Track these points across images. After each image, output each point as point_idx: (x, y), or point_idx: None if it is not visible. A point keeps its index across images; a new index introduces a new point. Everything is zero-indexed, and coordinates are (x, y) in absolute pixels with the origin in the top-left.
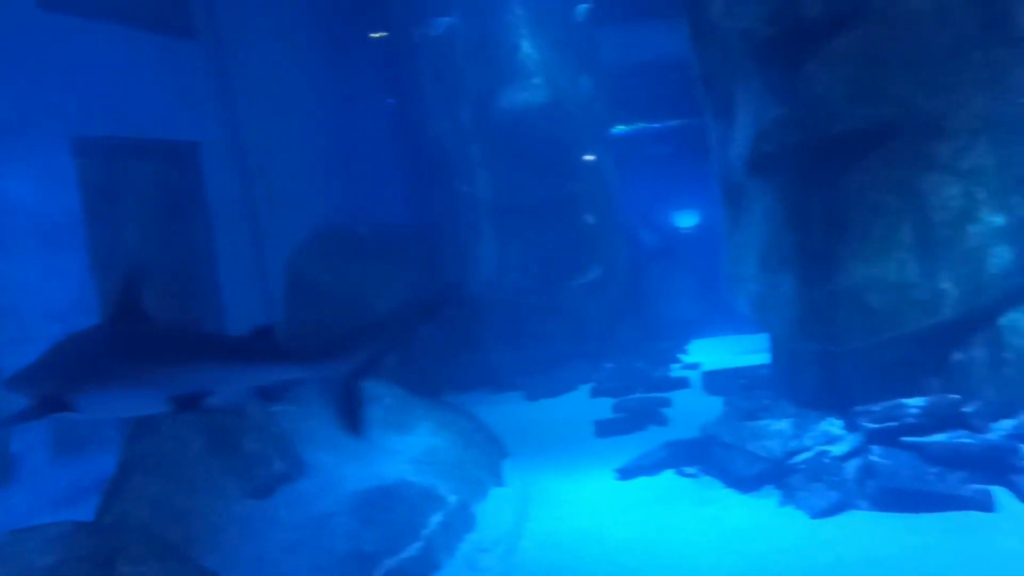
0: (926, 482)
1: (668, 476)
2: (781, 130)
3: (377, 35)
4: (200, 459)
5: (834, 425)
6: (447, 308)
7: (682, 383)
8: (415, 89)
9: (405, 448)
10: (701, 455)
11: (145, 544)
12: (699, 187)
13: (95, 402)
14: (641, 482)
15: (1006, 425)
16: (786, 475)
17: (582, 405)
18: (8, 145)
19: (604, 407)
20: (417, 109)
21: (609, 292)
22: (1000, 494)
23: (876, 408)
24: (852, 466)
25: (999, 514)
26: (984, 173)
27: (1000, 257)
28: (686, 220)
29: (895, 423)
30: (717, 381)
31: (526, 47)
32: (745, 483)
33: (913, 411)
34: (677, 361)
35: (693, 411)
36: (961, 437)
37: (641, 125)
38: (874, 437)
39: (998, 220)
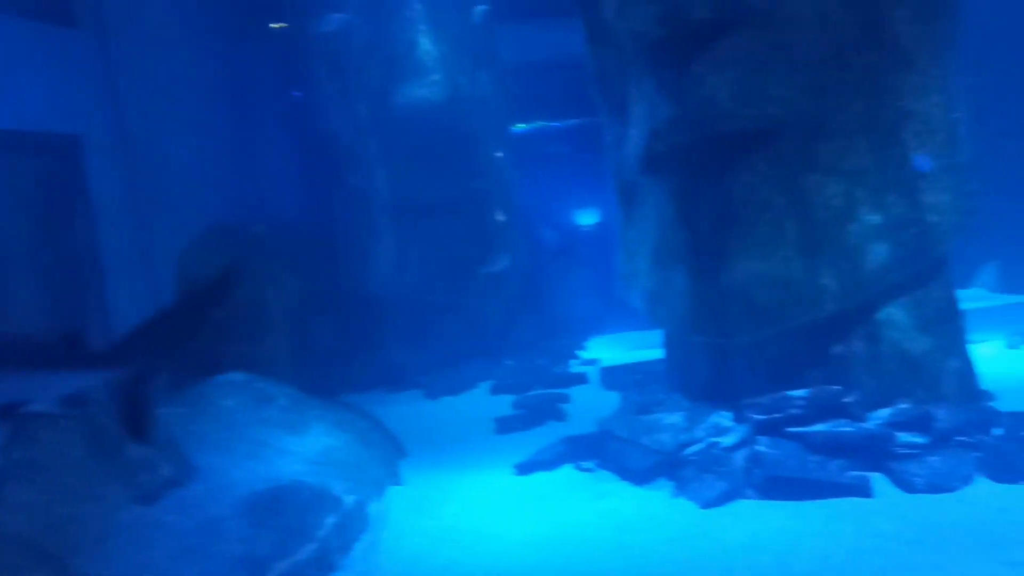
0: (808, 470)
1: (566, 471)
2: (672, 130)
3: (277, 25)
4: (81, 465)
5: (724, 417)
6: (231, 291)
7: (580, 379)
8: (311, 84)
9: (299, 449)
10: (598, 449)
11: (22, 555)
12: (598, 185)
13: None
14: (539, 477)
15: (883, 414)
16: (678, 467)
17: (482, 402)
18: None
19: (504, 404)
20: (314, 104)
21: (509, 290)
22: (877, 480)
23: (763, 400)
24: (740, 456)
25: (876, 499)
26: (863, 173)
27: (878, 254)
28: (585, 218)
29: (780, 414)
30: (614, 377)
31: (424, 43)
32: (639, 476)
33: (797, 402)
34: (576, 357)
35: (591, 406)
36: (841, 426)
37: (541, 123)
38: (761, 428)
39: (876, 218)
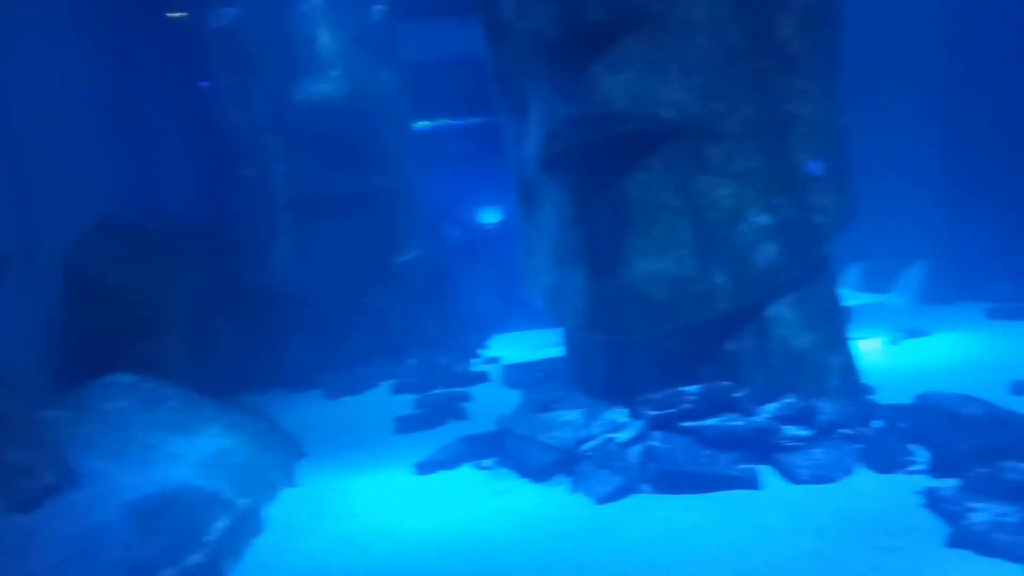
0: (700, 464)
1: (466, 469)
2: (570, 130)
3: (175, 15)
4: None
5: (620, 413)
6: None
7: (483, 377)
8: (209, 77)
9: (191, 452)
10: (497, 448)
11: None
12: (501, 184)
13: None
14: (439, 476)
15: (771, 408)
16: (576, 463)
17: (383, 402)
18: None
19: (406, 403)
20: (211, 98)
21: (412, 288)
22: (765, 472)
23: (657, 396)
24: (635, 452)
25: (764, 491)
26: (752, 175)
27: (767, 253)
28: (488, 216)
29: (674, 409)
30: (516, 375)
31: (323, 38)
32: (538, 473)
33: (690, 397)
34: (478, 356)
35: (493, 405)
36: (732, 420)
37: (444, 121)
38: (656, 423)
39: (765, 219)
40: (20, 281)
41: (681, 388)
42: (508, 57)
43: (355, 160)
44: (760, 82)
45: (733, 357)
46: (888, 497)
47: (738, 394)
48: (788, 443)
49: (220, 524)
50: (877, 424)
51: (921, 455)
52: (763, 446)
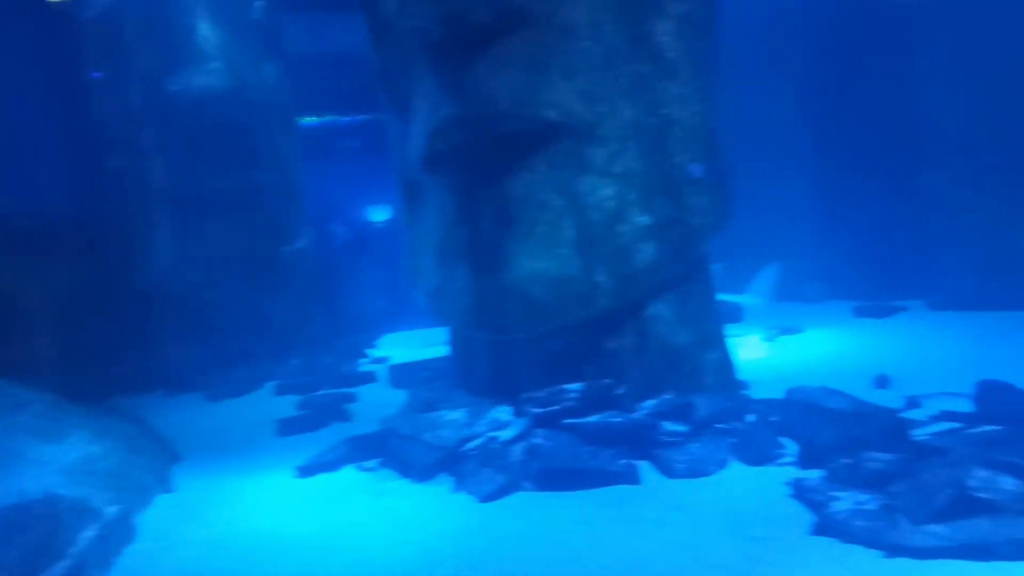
0: (581, 460)
1: (348, 471)
2: (453, 129)
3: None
4: None
5: (504, 412)
6: None
7: (369, 377)
8: (81, 68)
9: (56, 458)
10: (381, 448)
11: None
12: (389, 181)
13: None
14: (321, 479)
15: (649, 404)
16: (459, 462)
17: (266, 404)
18: None
19: (289, 405)
20: (84, 88)
21: (297, 286)
22: (644, 467)
23: (540, 394)
24: (518, 449)
25: (642, 486)
26: (633, 177)
27: (646, 253)
28: (376, 214)
29: (557, 407)
30: (403, 374)
31: (203, 29)
32: (421, 472)
33: (572, 395)
34: (366, 356)
35: (378, 405)
36: (612, 417)
37: (331, 117)
38: (539, 421)
39: (645, 220)
40: None
41: (564, 386)
42: (392, 55)
43: (237, 154)
44: (640, 86)
45: (614, 355)
46: (759, 489)
47: (619, 391)
48: (666, 438)
49: (88, 533)
50: (750, 418)
51: (791, 447)
52: (642, 442)
